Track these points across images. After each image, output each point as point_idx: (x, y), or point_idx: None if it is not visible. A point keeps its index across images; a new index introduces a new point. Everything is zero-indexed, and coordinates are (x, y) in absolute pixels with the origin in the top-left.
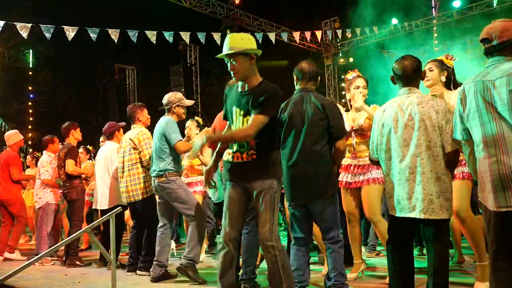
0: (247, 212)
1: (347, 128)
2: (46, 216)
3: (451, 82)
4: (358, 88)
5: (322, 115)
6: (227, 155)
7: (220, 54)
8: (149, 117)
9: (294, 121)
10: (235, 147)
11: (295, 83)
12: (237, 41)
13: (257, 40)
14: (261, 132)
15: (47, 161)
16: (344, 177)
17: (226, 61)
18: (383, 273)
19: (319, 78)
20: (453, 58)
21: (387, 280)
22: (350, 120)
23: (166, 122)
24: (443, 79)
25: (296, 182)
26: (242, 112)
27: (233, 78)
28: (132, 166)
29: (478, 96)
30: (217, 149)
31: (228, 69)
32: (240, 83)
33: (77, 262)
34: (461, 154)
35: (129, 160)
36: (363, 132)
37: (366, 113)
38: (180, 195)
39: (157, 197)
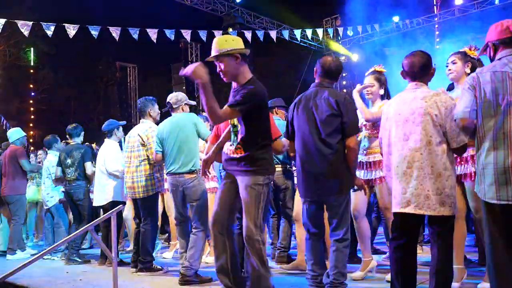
0: (237, 204)
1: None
2: (62, 213)
3: None
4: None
5: (335, 112)
6: (226, 147)
7: (208, 58)
8: (159, 112)
9: (307, 116)
10: (230, 141)
11: (314, 75)
12: (221, 43)
13: (258, 38)
14: (248, 129)
15: (56, 160)
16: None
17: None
18: (384, 271)
19: (339, 76)
20: (476, 49)
21: (388, 278)
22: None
23: (197, 118)
24: (468, 70)
25: (311, 178)
26: None
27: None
28: (140, 162)
29: (495, 86)
30: (218, 141)
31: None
32: (233, 83)
33: (76, 258)
34: (472, 150)
35: (137, 156)
36: (372, 126)
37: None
38: (203, 197)
39: (165, 196)
